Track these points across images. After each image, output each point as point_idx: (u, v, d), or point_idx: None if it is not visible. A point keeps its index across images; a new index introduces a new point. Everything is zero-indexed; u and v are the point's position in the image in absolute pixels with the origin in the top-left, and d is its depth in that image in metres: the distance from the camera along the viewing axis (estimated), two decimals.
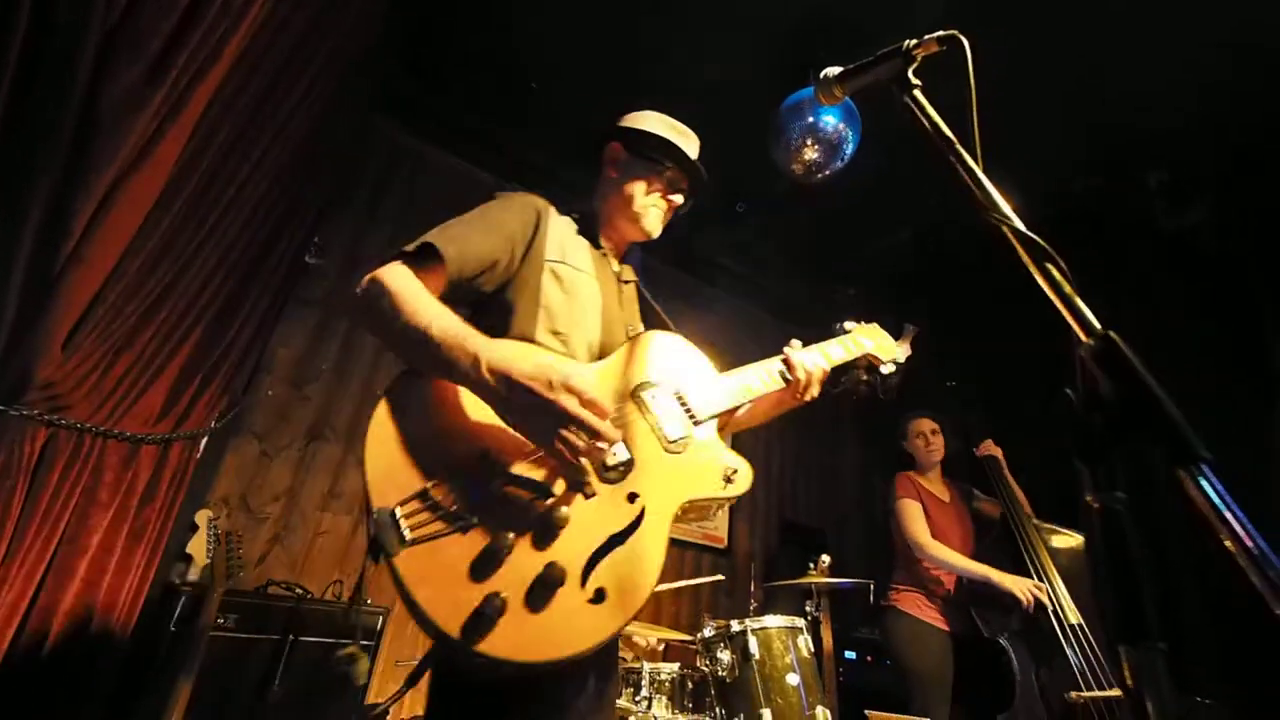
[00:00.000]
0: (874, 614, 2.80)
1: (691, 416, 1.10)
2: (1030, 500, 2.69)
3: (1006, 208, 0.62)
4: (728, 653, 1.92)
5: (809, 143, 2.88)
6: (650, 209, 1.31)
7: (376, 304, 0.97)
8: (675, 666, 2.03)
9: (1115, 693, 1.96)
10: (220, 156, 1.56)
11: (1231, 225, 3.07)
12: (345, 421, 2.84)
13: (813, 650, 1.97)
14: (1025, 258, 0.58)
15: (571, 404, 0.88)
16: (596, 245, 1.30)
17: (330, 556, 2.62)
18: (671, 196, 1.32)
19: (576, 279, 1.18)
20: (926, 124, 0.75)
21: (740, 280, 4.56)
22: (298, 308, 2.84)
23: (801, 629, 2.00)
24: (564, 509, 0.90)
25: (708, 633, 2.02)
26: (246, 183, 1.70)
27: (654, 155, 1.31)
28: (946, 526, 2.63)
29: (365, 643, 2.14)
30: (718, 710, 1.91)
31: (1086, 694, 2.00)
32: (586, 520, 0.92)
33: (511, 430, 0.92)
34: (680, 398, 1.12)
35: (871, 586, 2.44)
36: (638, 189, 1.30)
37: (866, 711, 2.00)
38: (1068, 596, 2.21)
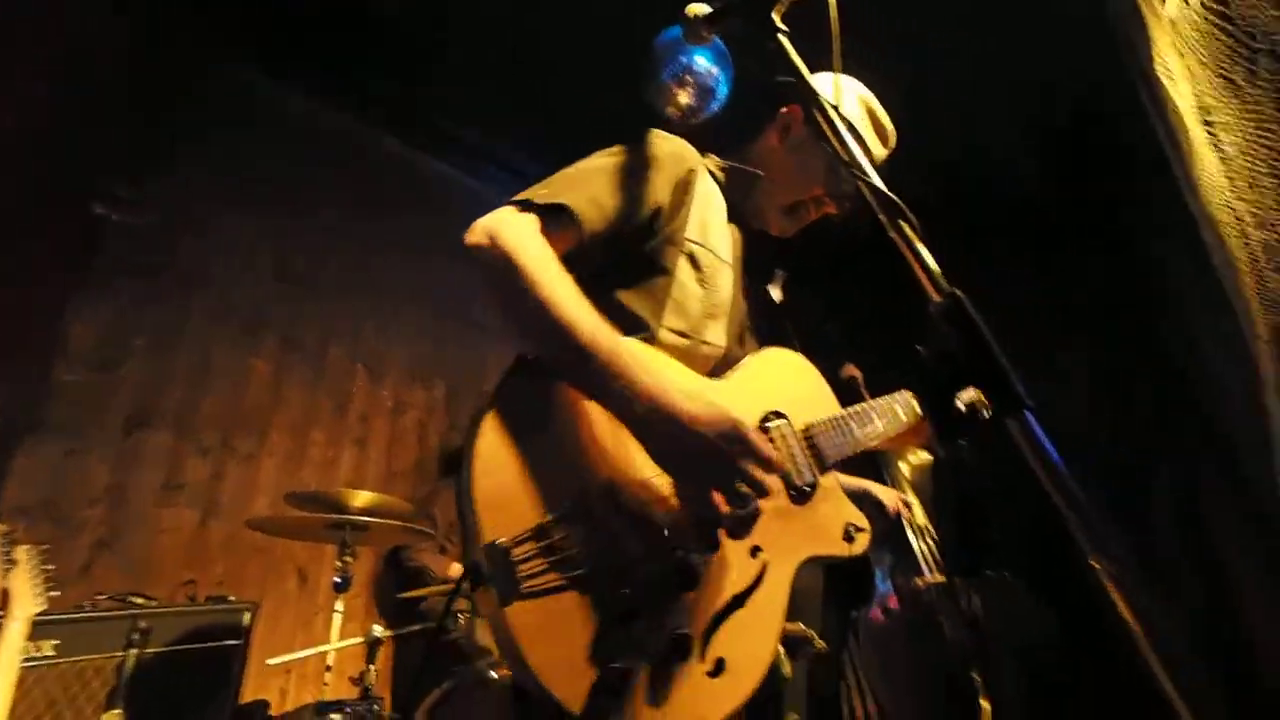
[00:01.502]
0: None
1: (820, 460, 0.96)
2: None
3: (866, 163, 0.62)
4: None
5: (682, 85, 2.82)
6: (805, 210, 1.10)
7: (505, 275, 0.80)
8: None
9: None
10: None
11: (1052, 183, 3.51)
12: (175, 404, 2.46)
13: None
14: (880, 214, 0.59)
15: (748, 464, 0.76)
16: (740, 222, 1.10)
17: (177, 556, 2.32)
18: (831, 206, 1.11)
19: (717, 270, 0.99)
20: (792, 73, 0.73)
21: None
22: (101, 275, 2.36)
23: None
24: (694, 563, 0.77)
25: None
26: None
27: (843, 154, 1.08)
28: None
29: (233, 642, 1.95)
30: None
31: (928, 579, 2.34)
32: (711, 577, 0.80)
33: (638, 460, 0.78)
34: (810, 436, 0.97)
35: None
36: (807, 181, 1.09)
37: None
38: (917, 503, 2.54)
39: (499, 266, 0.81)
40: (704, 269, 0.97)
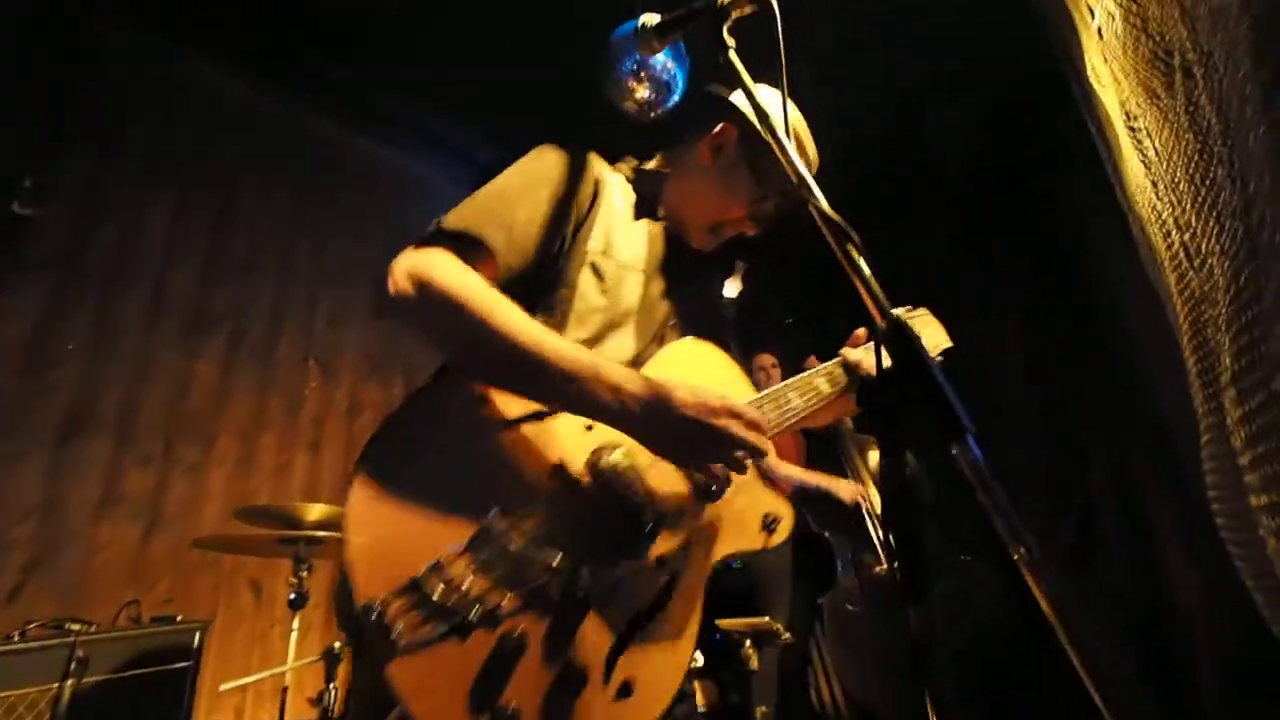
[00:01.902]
0: None
1: None
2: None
3: (813, 184, 0.64)
4: None
5: (640, 81, 2.81)
6: (725, 229, 1.09)
7: (447, 316, 0.79)
8: None
9: None
10: None
11: (985, 165, 3.65)
12: (114, 409, 2.33)
13: None
14: (828, 237, 0.60)
15: (737, 428, 0.79)
16: (663, 223, 1.08)
17: (118, 574, 2.21)
18: (754, 228, 1.10)
19: (621, 278, 0.98)
20: (741, 90, 0.74)
21: None
22: (21, 274, 2.20)
23: None
24: (583, 591, 0.76)
25: None
26: None
27: (772, 175, 1.03)
28: (788, 446, 2.95)
29: (182, 664, 1.87)
30: None
31: (884, 566, 2.44)
32: (608, 600, 0.78)
33: (520, 487, 0.78)
34: None
35: None
36: (732, 203, 1.06)
37: (717, 621, 2.24)
38: (876, 493, 2.63)
39: (441, 308, 0.79)
40: (607, 279, 0.97)
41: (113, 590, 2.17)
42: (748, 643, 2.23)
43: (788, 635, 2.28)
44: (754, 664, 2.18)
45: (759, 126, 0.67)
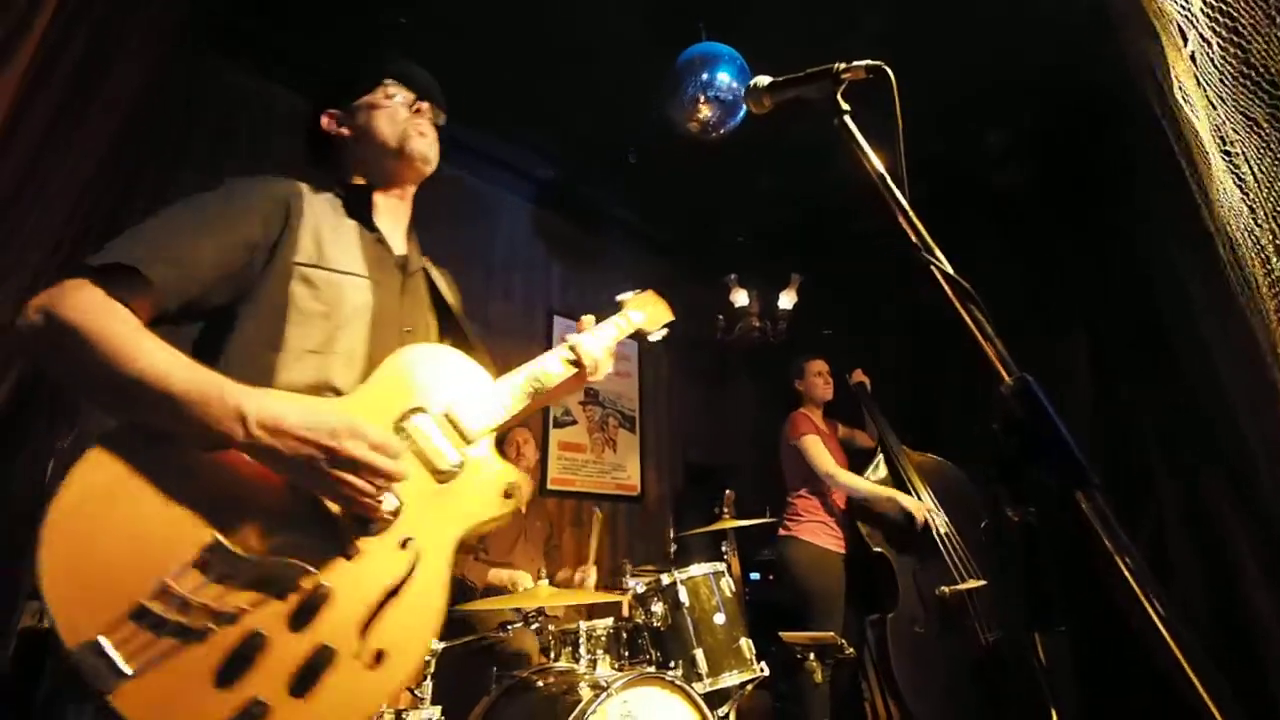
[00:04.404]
0: (772, 537, 3.11)
1: (464, 437, 0.99)
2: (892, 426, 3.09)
3: (934, 248, 0.69)
4: (660, 604, 2.07)
5: (704, 100, 2.88)
6: (411, 132, 1.13)
7: (71, 351, 0.75)
8: (609, 621, 2.16)
9: (976, 584, 2.40)
10: (31, 149, 1.24)
11: (1045, 183, 3.56)
12: None
13: (734, 590, 2.19)
14: (951, 297, 0.66)
15: (360, 450, 0.81)
16: (370, 227, 1.09)
17: None
18: (419, 105, 1.16)
19: (336, 283, 0.98)
20: (857, 152, 0.80)
21: (633, 233, 4.57)
22: None
23: (723, 571, 2.20)
24: (324, 582, 0.80)
25: (639, 588, 2.15)
26: (71, 172, 1.39)
27: (366, 84, 1.15)
28: (836, 456, 2.96)
29: None
30: (653, 654, 2.07)
31: (953, 587, 2.42)
32: (354, 583, 0.83)
33: (239, 492, 0.79)
34: (451, 418, 0.99)
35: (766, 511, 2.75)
36: (380, 125, 1.12)
37: (781, 634, 2.28)
38: (938, 508, 2.61)
39: (55, 334, 0.76)
40: (321, 286, 0.97)
41: None
42: (811, 656, 2.26)
43: (851, 650, 2.30)
44: (818, 677, 2.22)
45: (889, 200, 0.72)
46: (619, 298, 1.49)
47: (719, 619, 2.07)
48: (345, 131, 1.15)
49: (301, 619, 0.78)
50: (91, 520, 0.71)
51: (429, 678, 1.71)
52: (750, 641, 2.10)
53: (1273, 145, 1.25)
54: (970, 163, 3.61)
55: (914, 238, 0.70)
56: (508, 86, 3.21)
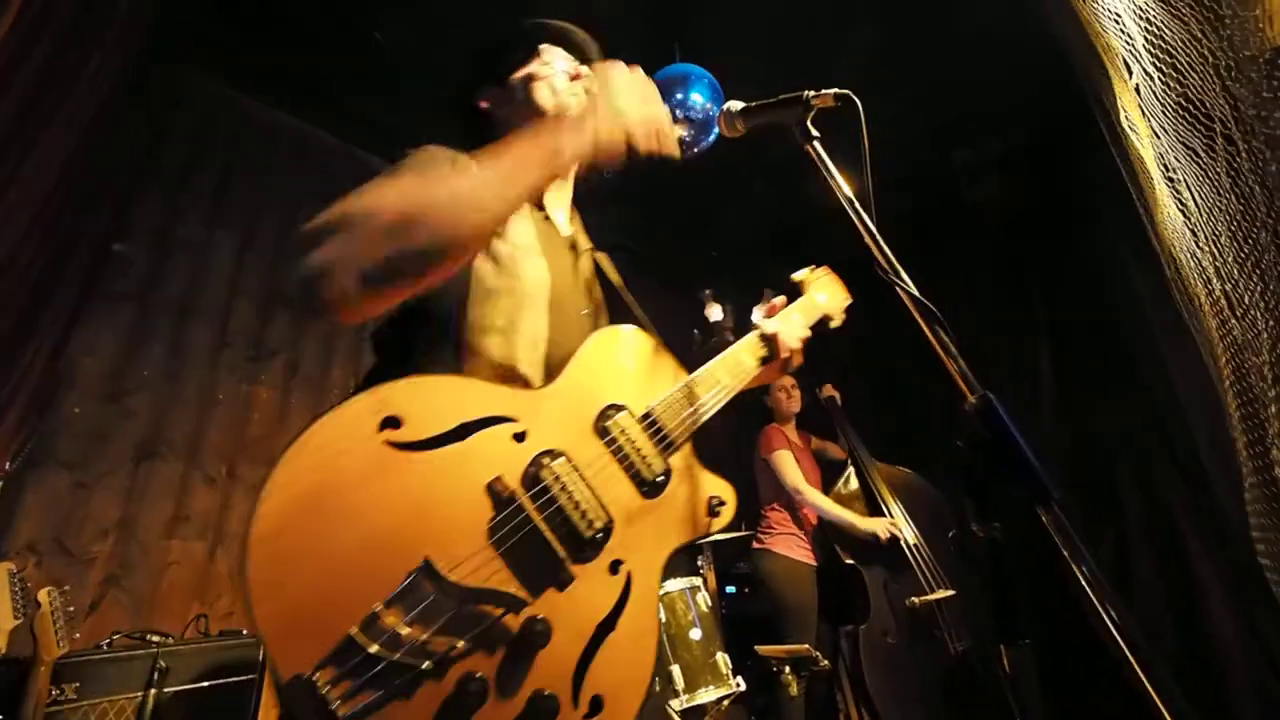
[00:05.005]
0: (747, 551, 3.12)
1: (668, 443, 0.89)
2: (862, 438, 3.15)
3: (899, 269, 0.72)
4: None
5: (678, 119, 2.94)
6: (572, 104, 1.04)
7: (395, 239, 0.70)
8: None
9: (945, 594, 2.44)
10: None
11: (1013, 199, 3.72)
12: (184, 435, 2.47)
13: (710, 605, 2.19)
14: (917, 318, 0.68)
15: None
16: (538, 205, 1.05)
17: (186, 589, 2.32)
18: (577, 71, 1.09)
19: (518, 261, 0.94)
20: (825, 176, 0.83)
21: (607, 248, 4.58)
22: (103, 305, 2.36)
23: (699, 586, 2.20)
24: (541, 614, 0.70)
25: None
26: (33, 175, 1.35)
27: (520, 53, 1.07)
28: (808, 470, 2.99)
29: (248, 676, 1.97)
30: None
31: (923, 598, 2.46)
32: (567, 616, 0.73)
33: (449, 519, 0.71)
34: (655, 420, 0.89)
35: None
36: (540, 98, 1.05)
37: (756, 648, 2.28)
38: (907, 521, 2.66)
39: (372, 212, 0.73)
40: (504, 264, 0.93)
41: (180, 604, 2.28)
42: (787, 669, 2.27)
43: (826, 663, 2.32)
44: (794, 690, 2.22)
45: (856, 221, 0.75)
46: (794, 277, 1.29)
47: (695, 634, 2.07)
48: (504, 110, 1.08)
49: (518, 659, 0.68)
50: (305, 527, 0.63)
51: None
52: (726, 656, 2.10)
53: (1210, 174, 1.33)
54: (948, 178, 3.75)
55: (880, 259, 0.73)
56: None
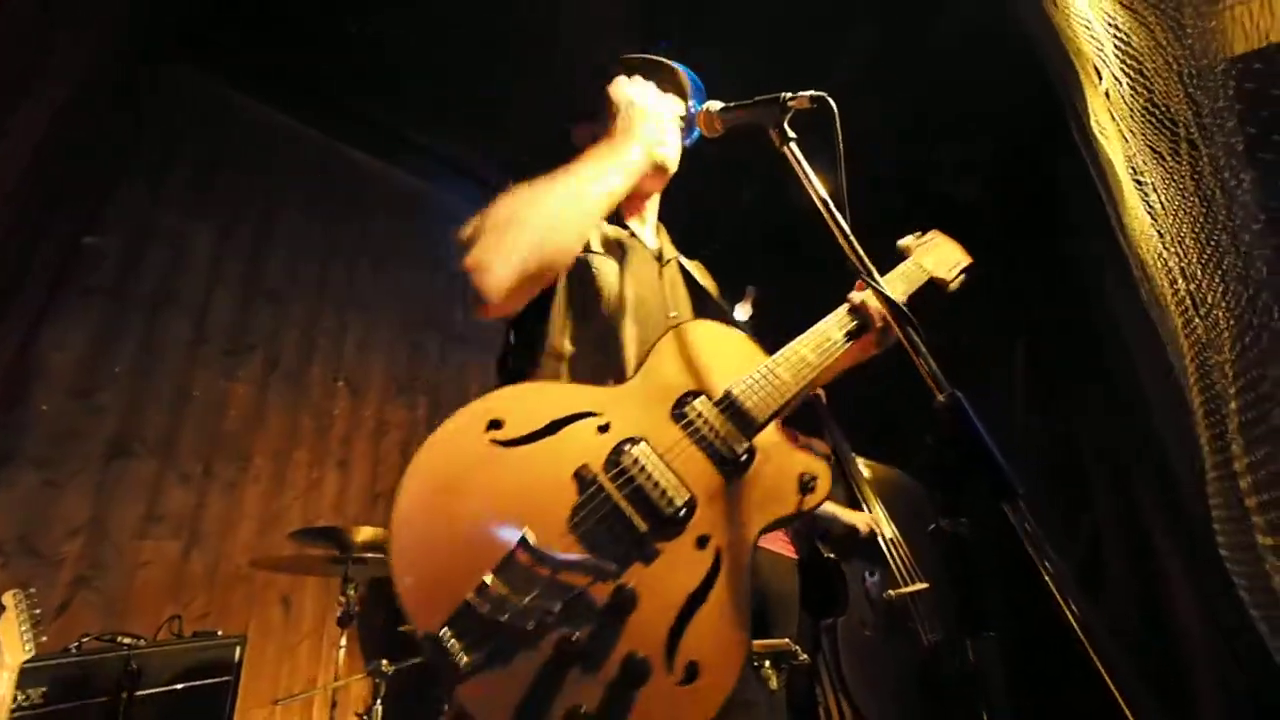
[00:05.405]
0: None
1: (748, 423, 0.92)
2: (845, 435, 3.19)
3: (872, 269, 0.73)
4: None
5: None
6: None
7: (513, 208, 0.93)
8: None
9: (919, 587, 2.49)
10: None
11: (997, 196, 3.78)
12: (158, 431, 2.42)
13: None
14: (891, 320, 0.70)
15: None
16: (621, 224, 1.16)
17: (160, 590, 2.28)
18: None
19: (608, 272, 1.05)
20: (801, 177, 0.84)
21: None
22: (73, 299, 2.31)
23: None
24: (629, 584, 0.77)
25: None
26: None
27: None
28: None
29: (224, 678, 1.94)
30: None
31: (898, 591, 2.51)
32: (654, 587, 0.79)
33: (543, 502, 0.80)
34: (733, 401, 0.93)
35: None
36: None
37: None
38: (886, 517, 2.70)
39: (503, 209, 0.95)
40: (599, 273, 1.07)
41: (154, 605, 2.24)
42: (767, 663, 2.29)
43: (805, 657, 2.35)
44: (774, 684, 2.24)
45: (829, 221, 0.76)
46: (901, 243, 1.25)
47: None
48: (595, 142, 1.13)
49: (610, 624, 0.75)
50: (432, 513, 0.76)
51: (379, 700, 1.66)
52: None
53: (1175, 177, 1.37)
54: (931, 177, 3.80)
55: (853, 258, 0.74)
56: (475, 104, 3.19)
